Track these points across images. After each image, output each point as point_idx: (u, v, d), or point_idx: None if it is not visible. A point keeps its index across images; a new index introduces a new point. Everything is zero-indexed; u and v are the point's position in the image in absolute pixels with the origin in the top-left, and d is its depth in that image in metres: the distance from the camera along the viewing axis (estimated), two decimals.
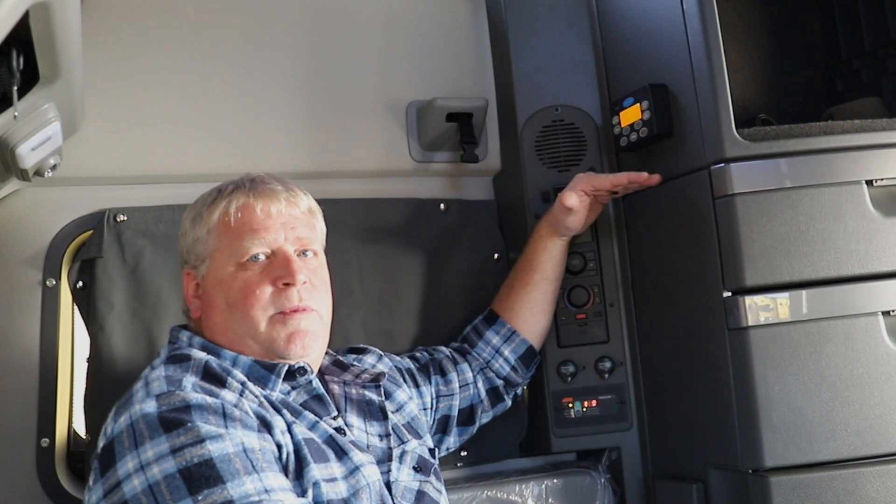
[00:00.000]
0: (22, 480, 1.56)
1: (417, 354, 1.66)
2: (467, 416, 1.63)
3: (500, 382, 1.66)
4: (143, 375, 1.22)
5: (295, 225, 1.33)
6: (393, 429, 1.39)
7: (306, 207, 1.37)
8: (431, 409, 1.59)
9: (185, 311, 1.38)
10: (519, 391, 1.71)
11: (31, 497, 1.57)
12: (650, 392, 1.70)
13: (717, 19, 1.45)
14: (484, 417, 1.67)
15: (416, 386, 1.57)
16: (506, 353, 1.65)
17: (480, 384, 1.65)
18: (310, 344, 1.29)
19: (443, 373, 1.62)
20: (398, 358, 1.61)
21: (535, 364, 1.70)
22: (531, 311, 1.66)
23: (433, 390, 1.59)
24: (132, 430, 1.09)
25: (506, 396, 1.68)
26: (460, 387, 1.62)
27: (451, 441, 1.63)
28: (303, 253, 1.33)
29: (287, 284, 1.27)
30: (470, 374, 1.64)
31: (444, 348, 1.69)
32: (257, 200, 1.31)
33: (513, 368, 1.66)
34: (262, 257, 1.29)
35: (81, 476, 1.62)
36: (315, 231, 1.38)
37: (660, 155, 1.62)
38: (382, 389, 1.44)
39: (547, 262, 1.66)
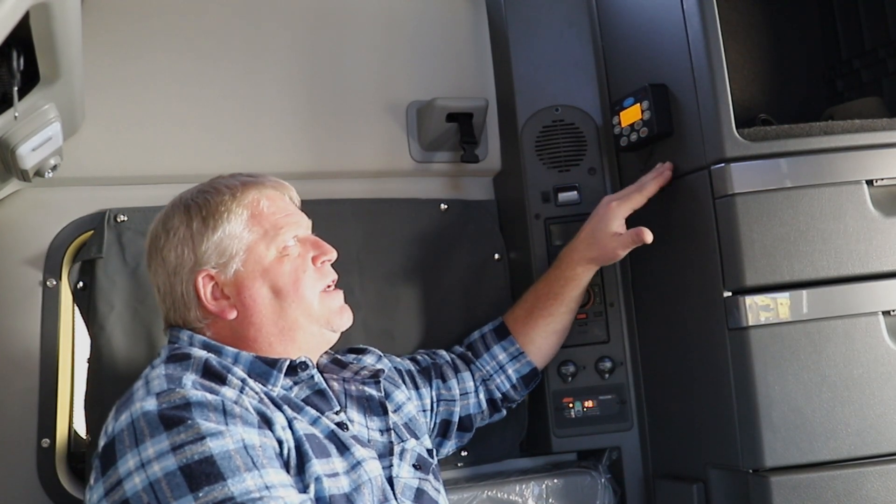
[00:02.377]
0: (22, 481, 1.56)
1: (418, 357, 1.66)
2: (467, 422, 1.63)
3: (498, 396, 1.65)
4: (144, 374, 1.22)
5: (302, 211, 1.41)
6: (393, 426, 1.39)
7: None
8: (431, 411, 1.59)
9: (176, 318, 1.33)
10: (514, 406, 1.71)
11: (32, 497, 1.57)
12: (650, 392, 1.70)
13: (717, 19, 1.45)
14: (481, 424, 1.68)
15: (416, 388, 1.57)
16: (509, 371, 1.65)
17: (482, 395, 1.64)
18: (351, 317, 1.39)
19: (443, 378, 1.62)
20: (398, 359, 1.61)
21: (536, 383, 1.69)
22: (547, 339, 1.65)
23: (433, 393, 1.59)
24: (133, 428, 1.09)
25: (502, 408, 1.68)
26: (461, 394, 1.62)
27: (451, 445, 1.64)
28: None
29: (326, 261, 1.37)
30: (471, 384, 1.63)
31: (445, 353, 1.68)
32: (277, 190, 1.38)
33: (513, 386, 1.65)
34: (294, 241, 1.34)
35: (82, 476, 1.62)
36: None
37: (660, 155, 1.62)
38: (382, 386, 1.44)
39: (575, 295, 1.64)
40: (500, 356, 1.66)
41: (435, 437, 1.60)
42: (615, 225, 1.55)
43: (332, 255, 1.37)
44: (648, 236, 1.51)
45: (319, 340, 1.36)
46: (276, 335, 1.30)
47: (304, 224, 1.38)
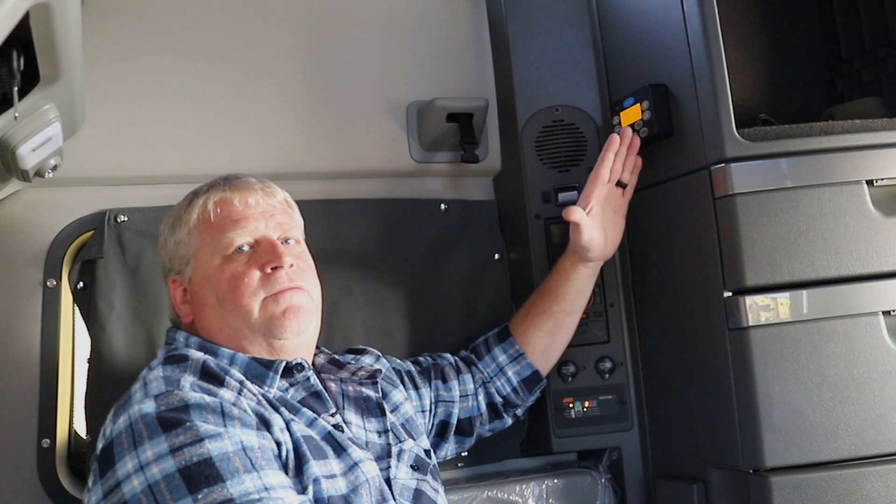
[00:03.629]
0: (23, 481, 1.56)
1: (420, 359, 1.65)
2: (466, 426, 1.62)
3: (499, 400, 1.64)
4: (142, 377, 1.22)
5: (274, 213, 1.35)
6: (391, 427, 1.39)
7: (283, 198, 1.41)
8: (430, 412, 1.58)
9: (175, 320, 1.37)
10: (520, 412, 1.67)
11: (32, 497, 1.57)
12: (651, 392, 1.70)
13: (718, 19, 1.45)
14: (482, 430, 1.65)
15: (416, 388, 1.56)
16: (509, 373, 1.63)
17: (481, 398, 1.63)
18: (304, 320, 1.30)
19: (444, 378, 1.61)
20: (398, 361, 1.61)
21: (540, 388, 1.67)
22: (543, 339, 1.64)
23: (432, 394, 1.59)
24: (131, 430, 1.09)
25: (504, 414, 1.66)
26: (460, 396, 1.61)
27: (449, 449, 1.62)
28: (285, 241, 1.35)
29: (275, 268, 1.28)
30: (471, 386, 1.62)
31: (448, 356, 1.68)
32: (234, 193, 1.34)
33: (514, 390, 1.63)
34: (246, 248, 1.31)
35: (82, 476, 1.62)
36: (294, 220, 1.41)
37: (660, 155, 1.62)
38: (379, 386, 1.44)
39: (567, 292, 1.62)
40: (500, 358, 1.65)
41: (433, 438, 1.59)
42: (570, 213, 1.54)
43: (280, 261, 1.28)
44: (572, 214, 1.53)
45: (269, 350, 1.30)
46: (223, 341, 1.30)
47: (259, 228, 1.32)
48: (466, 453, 1.75)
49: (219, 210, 1.32)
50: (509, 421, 1.67)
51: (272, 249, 1.30)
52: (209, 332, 1.31)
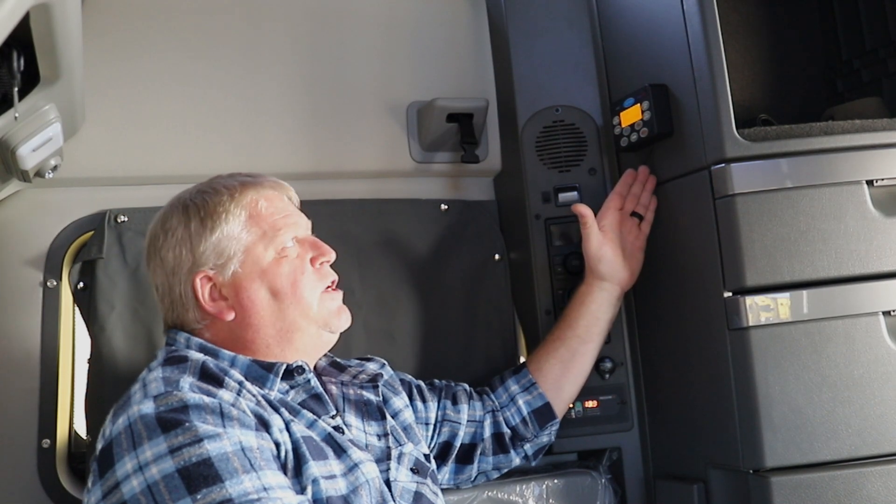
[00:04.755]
0: (23, 481, 1.56)
1: (435, 380, 1.64)
2: (468, 452, 1.57)
3: (507, 431, 1.59)
4: (141, 377, 1.22)
5: (301, 211, 1.41)
6: (391, 430, 1.39)
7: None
8: (434, 428, 1.56)
9: (175, 322, 1.33)
10: (529, 449, 1.60)
11: (32, 498, 1.57)
12: (651, 392, 1.70)
13: (718, 19, 1.45)
14: (483, 463, 1.59)
15: (423, 401, 1.56)
16: (520, 402, 1.60)
17: (487, 424, 1.59)
18: (348, 320, 1.38)
19: (454, 400, 1.59)
20: (409, 375, 1.60)
21: (553, 427, 1.61)
22: (555, 367, 1.60)
23: (440, 412, 1.57)
24: (130, 431, 1.09)
25: (511, 449, 1.59)
26: (468, 420, 1.58)
27: (447, 475, 1.57)
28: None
29: (324, 262, 1.36)
30: (480, 413, 1.60)
31: (464, 384, 1.65)
32: (275, 190, 1.37)
33: (523, 420, 1.59)
34: (292, 243, 1.34)
35: (82, 476, 1.62)
36: None
37: (660, 155, 1.62)
38: (380, 391, 1.44)
39: (581, 315, 1.60)
40: (513, 388, 1.62)
41: (435, 458, 1.55)
42: (587, 244, 1.62)
43: (331, 256, 1.36)
44: (578, 206, 1.62)
45: (317, 342, 1.35)
46: (273, 337, 1.30)
47: (304, 224, 1.38)
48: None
49: (267, 205, 1.34)
50: (515, 458, 1.61)
51: (319, 245, 1.36)
52: (251, 328, 1.29)
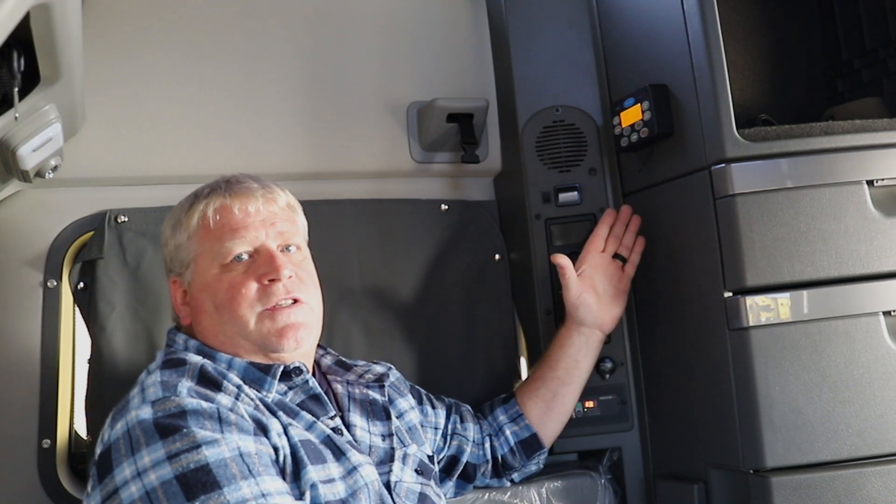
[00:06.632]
0: (23, 481, 1.56)
1: (442, 396, 1.64)
2: (471, 471, 1.59)
3: (498, 457, 1.61)
4: (140, 380, 1.21)
5: (275, 221, 1.32)
6: (395, 431, 1.39)
7: (285, 203, 1.37)
8: (444, 436, 1.56)
9: (175, 319, 1.37)
10: (516, 477, 1.64)
11: (33, 498, 1.57)
12: (651, 392, 1.70)
13: (718, 19, 1.45)
14: (481, 482, 1.62)
15: (432, 407, 1.56)
16: (507, 432, 1.61)
17: (487, 446, 1.61)
18: (303, 336, 1.28)
19: (462, 419, 1.60)
20: (417, 386, 1.60)
21: (540, 457, 1.63)
22: (538, 406, 1.61)
23: (450, 425, 1.58)
24: (129, 436, 1.09)
25: (503, 475, 1.62)
26: (472, 441, 1.59)
27: (448, 488, 1.58)
28: (286, 248, 1.32)
29: (272, 280, 1.27)
30: (479, 436, 1.61)
31: (467, 405, 1.66)
32: (234, 200, 1.31)
33: (511, 450, 1.61)
34: (245, 256, 1.29)
35: (82, 477, 1.62)
36: (296, 226, 1.38)
37: (660, 155, 1.62)
38: (386, 391, 1.44)
39: (561, 358, 1.61)
40: (501, 418, 1.63)
41: (440, 472, 1.55)
42: (567, 293, 1.61)
43: (279, 274, 1.26)
44: (557, 257, 1.61)
45: (265, 358, 1.28)
46: (219, 346, 1.29)
47: (258, 237, 1.29)
48: None
49: (218, 217, 1.30)
50: (506, 482, 1.63)
51: (270, 261, 1.27)
52: (205, 336, 1.30)
